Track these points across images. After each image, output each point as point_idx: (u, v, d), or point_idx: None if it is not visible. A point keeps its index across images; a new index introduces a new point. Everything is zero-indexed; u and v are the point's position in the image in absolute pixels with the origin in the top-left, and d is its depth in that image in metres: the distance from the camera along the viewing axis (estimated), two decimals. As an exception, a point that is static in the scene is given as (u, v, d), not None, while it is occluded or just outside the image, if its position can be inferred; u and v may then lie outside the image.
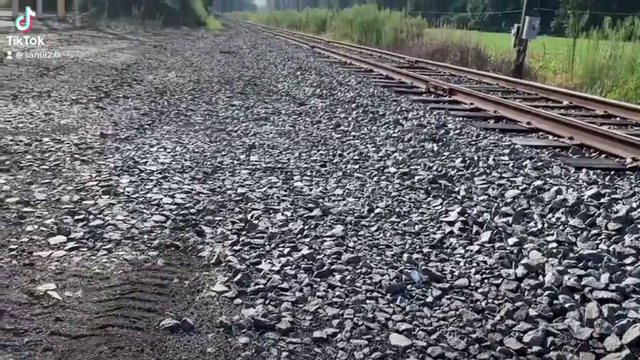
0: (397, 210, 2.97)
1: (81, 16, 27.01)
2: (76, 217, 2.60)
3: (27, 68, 8.03)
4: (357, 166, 3.82)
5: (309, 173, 3.62)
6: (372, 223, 2.78)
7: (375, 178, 3.55)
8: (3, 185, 2.99)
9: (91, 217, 2.62)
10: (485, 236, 2.58)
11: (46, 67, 8.33)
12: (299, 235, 2.57)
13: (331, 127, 5.07)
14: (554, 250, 2.36)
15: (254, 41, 20.75)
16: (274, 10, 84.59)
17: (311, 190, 3.28)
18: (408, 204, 3.09)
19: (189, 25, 28.79)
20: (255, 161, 3.82)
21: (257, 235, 2.53)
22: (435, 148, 4.23)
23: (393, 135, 4.72)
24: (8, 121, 4.50)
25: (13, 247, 2.28)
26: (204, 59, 11.82)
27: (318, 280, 2.16)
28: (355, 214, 2.89)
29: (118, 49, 12.50)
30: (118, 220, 2.62)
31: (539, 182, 3.31)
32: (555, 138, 5.18)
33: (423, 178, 3.48)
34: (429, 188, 3.33)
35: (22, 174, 3.22)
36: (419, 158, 3.96)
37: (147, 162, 3.61)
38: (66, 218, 2.59)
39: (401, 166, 3.77)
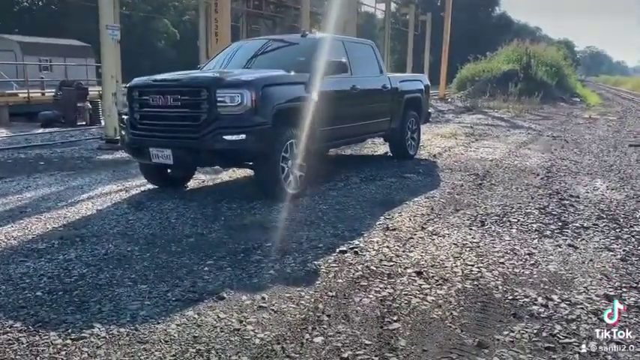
0: None
1: (460, 95, 29.21)
2: None
3: (461, 175, 8.75)
4: None
5: None
6: None
7: None
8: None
9: None
10: None
11: (474, 173, 8.93)
12: None
13: None
14: None
15: (657, 122, 18.29)
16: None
17: None
18: None
19: (565, 101, 27.70)
20: None
21: None
22: None
23: None
24: (501, 263, 4.73)
25: None
26: (618, 157, 10.85)
27: None
28: None
29: (522, 145, 12.66)
30: None
31: None
32: None
33: None
34: None
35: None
36: None
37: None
38: None
39: None
